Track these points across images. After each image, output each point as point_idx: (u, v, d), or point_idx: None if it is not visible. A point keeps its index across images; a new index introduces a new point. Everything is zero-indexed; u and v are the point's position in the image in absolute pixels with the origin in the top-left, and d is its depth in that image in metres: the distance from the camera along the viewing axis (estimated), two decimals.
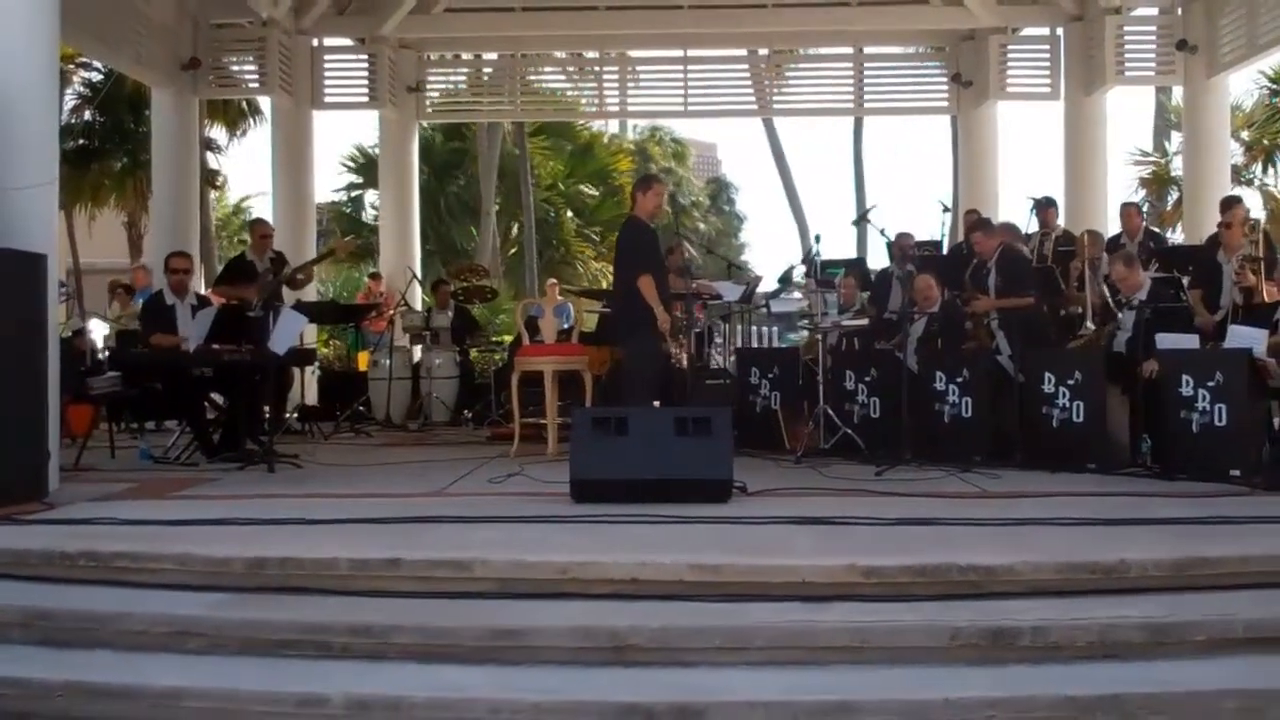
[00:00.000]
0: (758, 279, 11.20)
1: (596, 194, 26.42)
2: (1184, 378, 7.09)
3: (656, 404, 8.32)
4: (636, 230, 8.18)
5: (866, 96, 15.44)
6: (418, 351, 12.73)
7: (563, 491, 6.29)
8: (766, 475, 7.33)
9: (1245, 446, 6.86)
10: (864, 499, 6.34)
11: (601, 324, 10.74)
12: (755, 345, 12.61)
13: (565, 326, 11.34)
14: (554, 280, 18.46)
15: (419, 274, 14.68)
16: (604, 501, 5.92)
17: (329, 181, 25.56)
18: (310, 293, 12.58)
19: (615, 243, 8.85)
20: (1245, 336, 7.28)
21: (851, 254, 14.26)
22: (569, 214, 25.79)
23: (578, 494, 6.17)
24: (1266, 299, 8.26)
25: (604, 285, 18.61)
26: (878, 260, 11.32)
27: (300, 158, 14.22)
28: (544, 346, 9.05)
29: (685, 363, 9.31)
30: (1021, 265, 8.95)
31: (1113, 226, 11.56)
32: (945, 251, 10.33)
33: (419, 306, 13.71)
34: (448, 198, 24.28)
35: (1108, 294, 8.55)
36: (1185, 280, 8.88)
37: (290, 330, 8.10)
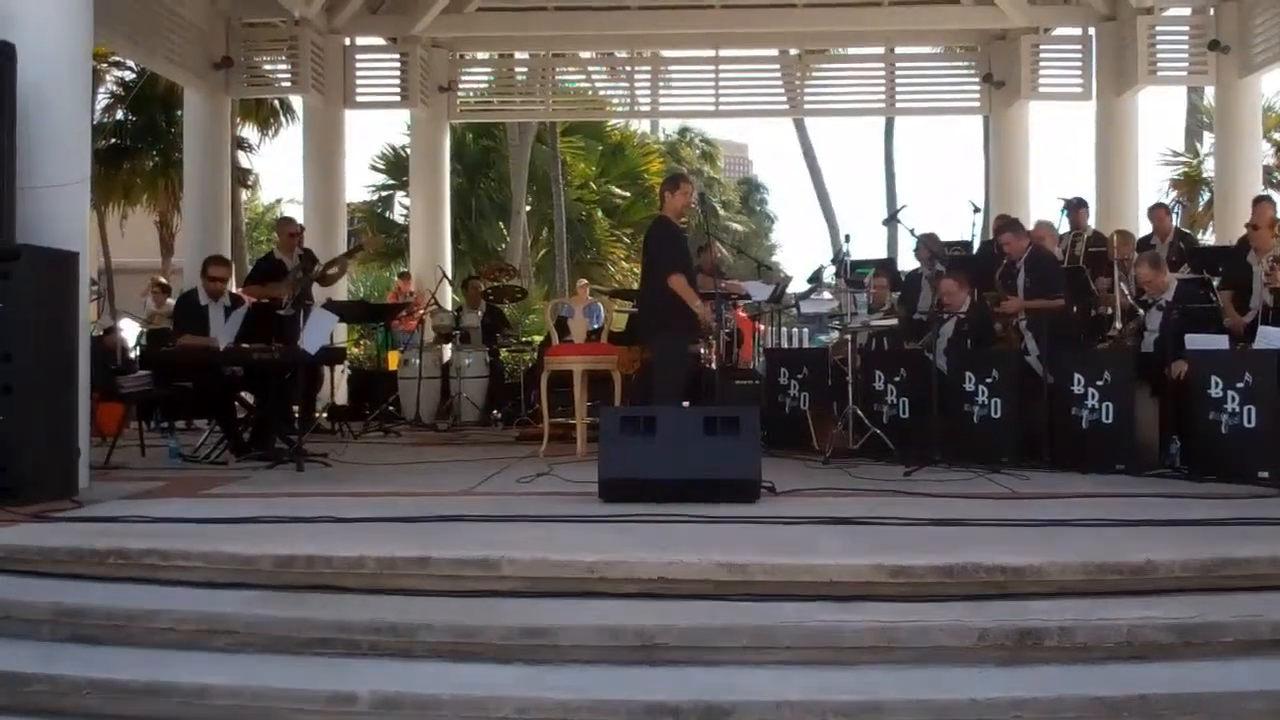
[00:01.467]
0: (787, 279, 11.19)
1: (628, 195, 26.46)
2: (1213, 379, 7.04)
3: (685, 404, 8.33)
4: (664, 229, 8.21)
5: (898, 96, 15.40)
6: (447, 351, 12.79)
7: (591, 491, 6.31)
8: (795, 475, 7.34)
9: (1275, 448, 6.80)
10: (892, 499, 6.34)
11: (631, 324, 10.76)
12: (785, 346, 12.60)
13: (595, 326, 11.35)
14: (584, 280, 18.52)
15: (449, 273, 14.73)
16: (632, 501, 5.94)
17: (361, 180, 25.77)
18: (340, 292, 12.69)
19: (643, 242, 8.87)
20: (1275, 337, 7.24)
21: (882, 254, 14.24)
22: (600, 214, 25.84)
23: (606, 494, 6.19)
24: None
25: (634, 286, 18.62)
26: (908, 260, 11.30)
27: (331, 157, 14.32)
28: (573, 346, 9.08)
29: (714, 363, 9.30)
30: (1051, 266, 8.93)
31: (1144, 227, 11.50)
32: (975, 252, 10.30)
33: (449, 306, 13.77)
34: (478, 197, 24.37)
35: (1127, 293, 8.50)
36: (1216, 281, 8.82)
37: (321, 329, 8.15)
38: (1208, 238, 15.96)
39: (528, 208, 23.70)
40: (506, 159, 23.78)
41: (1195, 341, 7.47)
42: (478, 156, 24.60)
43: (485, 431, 11.32)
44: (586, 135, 25.78)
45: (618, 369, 8.87)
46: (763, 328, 11.86)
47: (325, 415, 10.99)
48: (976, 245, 10.36)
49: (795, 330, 17.25)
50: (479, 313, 12.73)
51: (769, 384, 9.69)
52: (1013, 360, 8.28)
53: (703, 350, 9.33)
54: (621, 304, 11.99)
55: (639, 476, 6.13)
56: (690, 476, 6.11)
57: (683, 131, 48.83)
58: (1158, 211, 11.00)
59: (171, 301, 12.17)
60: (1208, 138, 21.12)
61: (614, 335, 10.26)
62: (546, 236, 25.51)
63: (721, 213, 48.12)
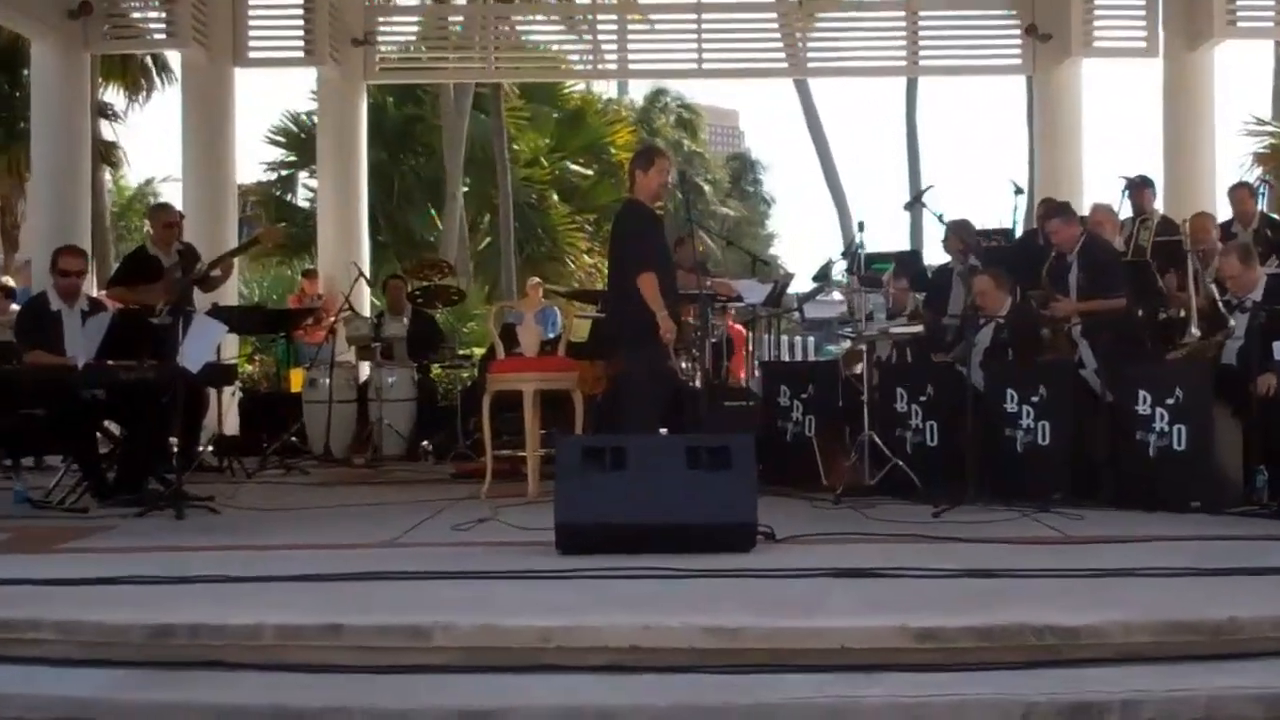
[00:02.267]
0: (788, 277, 11.23)
1: (589, 173, 26.49)
2: None
3: (663, 431, 8.35)
4: (635, 216, 8.24)
5: (921, 53, 15.46)
6: (365, 368, 12.75)
7: (546, 540, 6.32)
8: (799, 518, 7.37)
9: None
10: (918, 546, 6.39)
11: (595, 333, 10.77)
12: (785, 358, 12.66)
13: (550, 336, 11.39)
14: (536, 279, 18.52)
15: (367, 272, 14.71)
16: (596, 552, 5.95)
17: (255, 157, 25.65)
18: (230, 295, 12.61)
19: (610, 232, 8.89)
20: None
21: (903, 245, 14.34)
22: (555, 197, 25.85)
23: (564, 543, 6.20)
24: None
25: (599, 284, 18.64)
26: (936, 254, 11.38)
27: (219, 128, 14.25)
28: (523, 360, 9.07)
29: (699, 380, 9.33)
30: (1110, 259, 9.00)
31: (1222, 211, 11.61)
32: (1017, 242, 10.39)
33: (367, 312, 13.73)
34: (403, 177, 24.32)
35: (1216, 294, 8.58)
36: None
37: (205, 342, 8.11)
38: None
39: (465, 189, 23.66)
40: (438, 130, 23.74)
41: None
42: (402, 127, 24.56)
43: (413, 468, 11.27)
44: (538, 100, 25.81)
45: (579, 388, 8.86)
46: (758, 336, 11.91)
47: (211, 449, 10.93)
48: (1019, 234, 10.46)
49: (798, 339, 17.29)
50: (404, 320, 12.71)
51: (766, 405, 9.72)
52: (1064, 375, 8.34)
53: (685, 365, 9.35)
54: (583, 308, 12.00)
55: (605, 521, 6.14)
56: (669, 521, 6.13)
57: (657, 95, 49.05)
58: (1239, 192, 11.10)
59: (16, 308, 12.10)
60: None
61: (574, 347, 10.24)
62: (489, 224, 25.50)
63: (707, 195, 48.32)
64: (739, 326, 11.84)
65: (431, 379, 12.70)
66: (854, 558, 5.93)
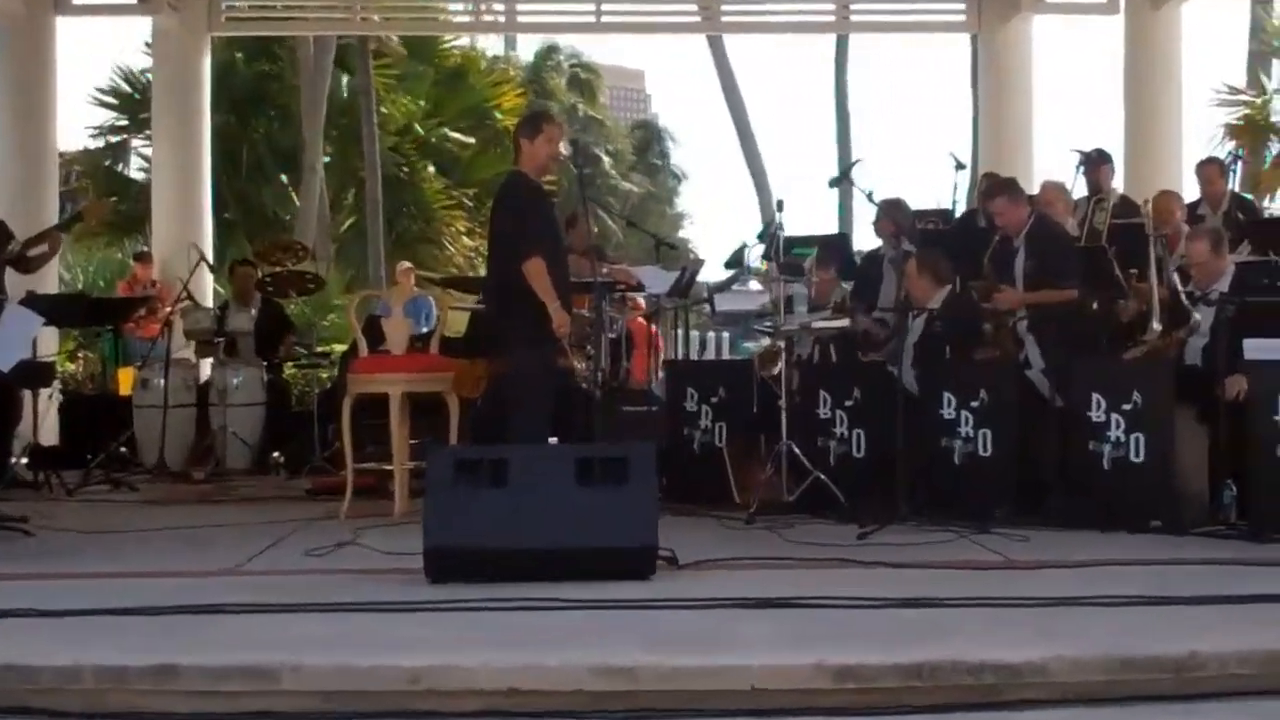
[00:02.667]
0: (698, 263, 11.26)
1: (471, 142, 26.34)
2: None
3: (552, 440, 8.33)
4: (520, 191, 8.23)
5: (853, 7, 15.60)
6: (206, 367, 12.63)
7: (414, 567, 6.30)
8: (706, 540, 7.41)
9: None
10: (840, 572, 6.45)
11: (474, 327, 10.73)
12: (694, 357, 12.71)
13: (423, 330, 11.32)
14: (408, 264, 18.36)
15: (210, 255, 14.55)
16: (472, 581, 5.96)
17: (80, 119, 25.24)
18: (48, 281, 12.42)
19: (492, 210, 8.88)
20: None
21: (830, 228, 14.44)
22: (430, 169, 25.69)
23: (435, 571, 6.19)
24: None
25: (480, 271, 18.58)
26: (866, 237, 11.47)
27: (37, 87, 14.04)
28: (390, 359, 9.04)
29: (594, 382, 9.33)
30: (1062, 244, 9.12)
31: (1189, 190, 11.77)
32: (956, 224, 10.49)
33: (209, 302, 13.59)
34: (254, 145, 24.05)
35: (1178, 283, 8.67)
36: None
37: (17, 335, 8.00)
38: (1276, 206, 16.41)
39: (326, 160, 23.44)
40: (295, 90, 23.51)
41: (1259, 349, 7.65)
42: (253, 87, 24.29)
43: (262, 483, 11.20)
44: (412, 57, 25.63)
45: (454, 391, 8.86)
46: (664, 331, 11.93)
47: (25, 461, 10.77)
48: (959, 215, 10.55)
49: (709, 335, 17.41)
50: (252, 311, 12.58)
51: (671, 411, 9.77)
52: (1008, 376, 8.45)
53: (578, 364, 9.35)
54: (461, 298, 11.95)
55: (482, 545, 6.14)
56: (556, 544, 6.14)
57: (549, 52, 48.99)
58: (1208, 169, 11.23)
59: None
60: (1277, 68, 21.72)
61: (450, 343, 10.24)
62: (354, 201, 25.28)
63: (606, 167, 48.38)
64: (641, 321, 11.84)
65: (284, 380, 12.59)
66: (768, 586, 5.94)
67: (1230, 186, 11.20)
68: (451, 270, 22.72)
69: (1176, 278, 8.87)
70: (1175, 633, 5.01)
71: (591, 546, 6.17)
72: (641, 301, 11.30)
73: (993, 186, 9.71)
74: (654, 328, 11.75)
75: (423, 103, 25.77)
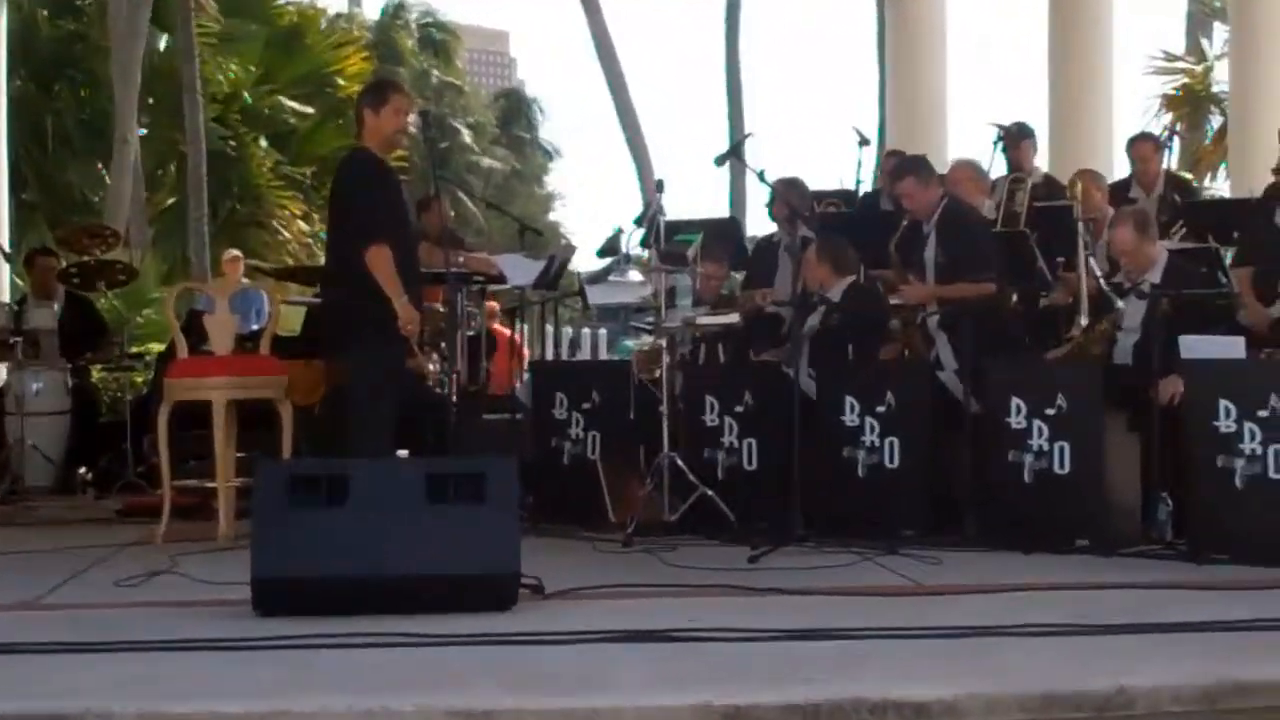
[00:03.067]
0: (569, 250, 11.27)
1: (309, 112, 26.19)
2: (1223, 405, 7.36)
3: (401, 453, 8.32)
4: (363, 169, 8.23)
5: None
6: (2, 371, 12.49)
7: (241, 599, 6.26)
8: (577, 565, 7.42)
9: None
10: (729, 600, 6.46)
11: (311, 324, 10.67)
12: (565, 357, 12.72)
13: (253, 328, 11.26)
14: (235, 252, 18.23)
15: (6, 244, 14.38)
16: (307, 614, 5.92)
17: None
18: None
19: (331, 190, 8.86)
20: None
21: (719, 212, 14.51)
22: (262, 144, 25.51)
23: (264, 603, 6.15)
24: None
25: (318, 260, 18.49)
26: (759, 222, 11.53)
27: None
28: (214, 361, 9.00)
29: (448, 386, 9.31)
30: (977, 230, 9.21)
31: (1120, 169, 11.91)
32: (859, 207, 10.58)
33: (5, 297, 13.42)
34: (59, 115, 23.77)
35: (1097, 270, 8.69)
36: (1228, 253, 9.20)
37: None
38: (1219, 186, 16.69)
39: (141, 132, 23.19)
40: (105, 53, 23.23)
41: (1196, 346, 7.77)
42: (56, 49, 24.00)
43: (65, 503, 11.11)
44: (241, 14, 25.45)
45: (288, 398, 8.84)
46: (530, 328, 11.94)
47: None
48: (863, 196, 10.64)
49: (584, 332, 17.43)
50: (55, 307, 12.45)
51: (538, 419, 9.78)
52: (917, 379, 8.55)
53: (431, 366, 9.33)
54: (298, 290, 11.90)
55: (319, 574, 6.11)
56: (405, 572, 6.12)
57: (398, 10, 48.77)
58: (1141, 146, 11.25)
59: None
60: (1219, 32, 22.10)
61: (283, 342, 10.16)
62: (173, 179, 25.05)
63: (465, 142, 48.25)
64: (501, 328, 11.85)
65: (91, 385, 12.46)
66: (646, 617, 5.95)
67: (1166, 165, 11.30)
68: (285, 259, 22.59)
69: (1094, 265, 8.83)
70: (1102, 666, 5.07)
71: (445, 574, 6.15)
72: (496, 306, 11.30)
73: (900, 165, 9.75)
74: (518, 337, 11.68)
75: (253, 67, 25.56)
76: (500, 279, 10.16)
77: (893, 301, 9.08)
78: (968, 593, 6.65)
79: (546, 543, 7.91)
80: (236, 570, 6.49)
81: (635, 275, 10.58)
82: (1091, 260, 8.89)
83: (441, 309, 9.17)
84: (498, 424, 9.89)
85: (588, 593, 6.71)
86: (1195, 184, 13.85)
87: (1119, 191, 10.84)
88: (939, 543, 7.86)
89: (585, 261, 11.20)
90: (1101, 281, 8.59)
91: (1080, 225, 9.07)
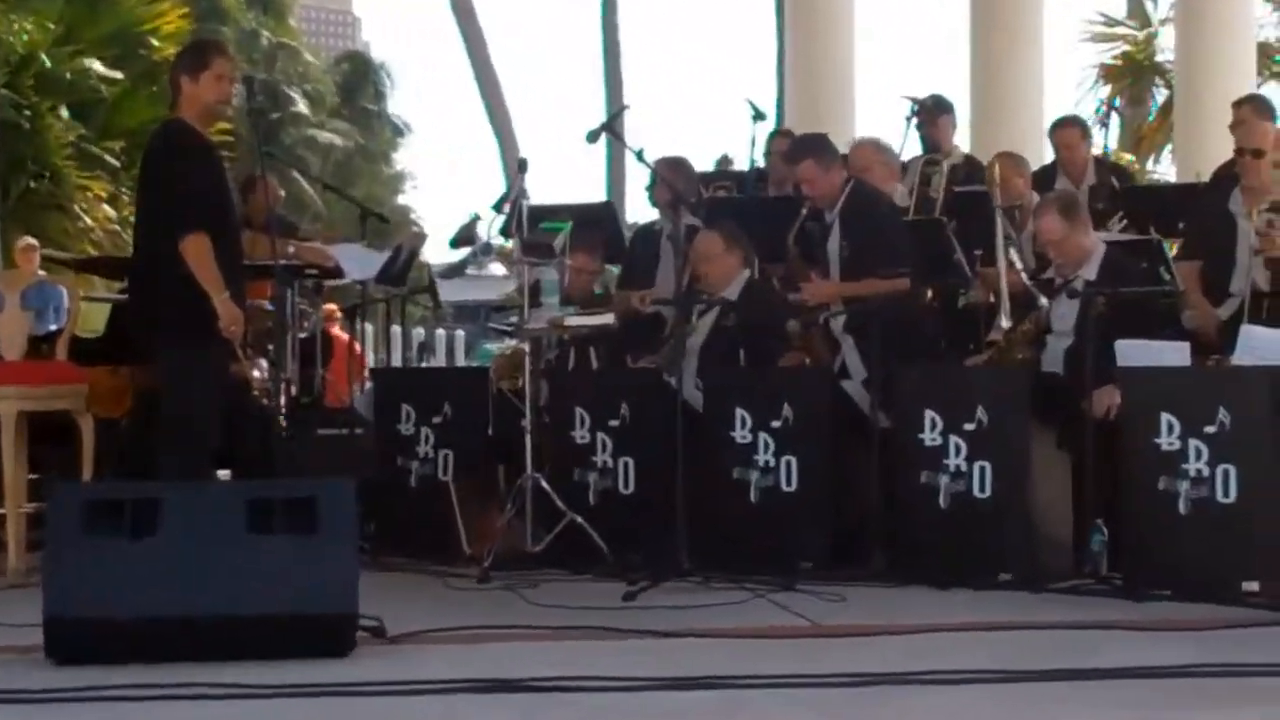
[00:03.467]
0: (418, 240, 11.21)
1: (117, 78, 26.03)
2: (1165, 419, 7.44)
3: (220, 474, 8.24)
4: (178, 145, 8.19)
5: None
6: None
7: (31, 644, 6.20)
8: (425, 605, 7.42)
9: (1273, 537, 7.20)
10: (601, 644, 6.46)
11: (120, 323, 10.56)
12: (414, 364, 12.67)
13: (49, 328, 11.12)
14: (30, 240, 18.11)
15: None
16: (108, 662, 5.86)
17: None
18: None
19: (140, 169, 8.81)
20: (1267, 344, 7.66)
21: (594, 196, 14.51)
22: (62, 115, 25.33)
23: (58, 648, 6.08)
24: None
25: (127, 249, 18.36)
26: (640, 208, 11.52)
27: None
28: (3, 366, 8.91)
29: (276, 396, 9.26)
30: (887, 219, 9.27)
31: (1047, 152, 11.98)
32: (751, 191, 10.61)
33: None
34: None
35: (1019, 267, 8.72)
36: (1172, 247, 9.28)
37: None
38: (1162, 170, 16.88)
39: None
40: None
41: (1132, 353, 7.83)
42: None
43: None
44: None
45: (90, 409, 8.78)
46: (370, 331, 11.88)
47: None
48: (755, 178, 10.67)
49: (438, 334, 17.38)
50: None
51: (380, 435, 9.75)
52: (818, 388, 8.56)
53: (256, 373, 9.25)
54: (104, 285, 11.78)
55: (123, 615, 6.04)
56: (223, 612, 6.07)
57: None
58: (1065, 132, 11.06)
59: None
60: None
61: (85, 345, 10.04)
62: None
63: (301, 114, 48.03)
64: (339, 333, 11.78)
65: None
66: (505, 663, 5.95)
67: (1100, 149, 11.37)
68: (88, 248, 22.40)
69: (1017, 258, 8.79)
70: (1028, 717, 5.10)
71: (271, 615, 6.09)
72: (335, 309, 11.23)
73: (797, 146, 9.75)
74: (358, 345, 11.63)
75: (51, 25, 25.36)
76: (337, 272, 10.08)
77: (791, 300, 9.05)
78: (874, 634, 6.65)
79: (390, 578, 7.90)
80: (25, 610, 6.41)
81: (495, 269, 10.56)
82: (1013, 252, 8.90)
83: (268, 307, 9.08)
84: (334, 440, 9.82)
85: (438, 636, 6.68)
86: (1130, 169, 13.88)
87: (1043, 181, 10.78)
88: (842, 577, 7.87)
89: (438, 253, 11.16)
90: (1024, 276, 8.63)
91: (999, 214, 9.10)
